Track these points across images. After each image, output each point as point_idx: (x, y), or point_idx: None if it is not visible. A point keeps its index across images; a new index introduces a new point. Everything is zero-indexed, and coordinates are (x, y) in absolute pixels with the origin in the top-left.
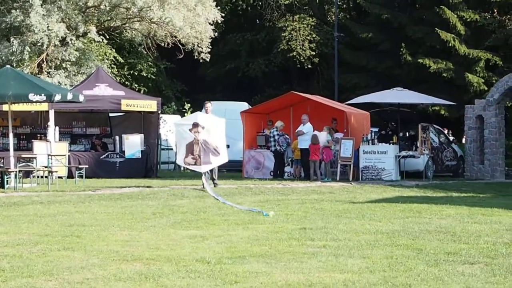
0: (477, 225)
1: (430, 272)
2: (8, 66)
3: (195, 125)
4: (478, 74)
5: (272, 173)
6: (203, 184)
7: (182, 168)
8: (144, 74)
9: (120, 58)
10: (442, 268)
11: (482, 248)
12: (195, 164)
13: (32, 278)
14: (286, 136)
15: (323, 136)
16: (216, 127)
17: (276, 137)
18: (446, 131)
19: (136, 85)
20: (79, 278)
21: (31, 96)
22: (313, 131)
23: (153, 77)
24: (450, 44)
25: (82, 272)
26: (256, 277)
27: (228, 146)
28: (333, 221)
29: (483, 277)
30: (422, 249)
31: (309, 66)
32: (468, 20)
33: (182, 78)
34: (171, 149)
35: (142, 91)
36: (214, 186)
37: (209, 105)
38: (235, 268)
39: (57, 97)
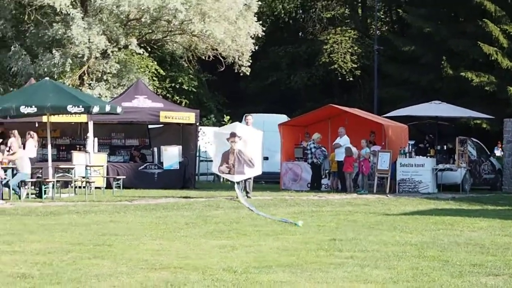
0: (508, 237)
1: (453, 283)
2: (47, 78)
3: (233, 134)
4: None
5: (309, 185)
6: (236, 195)
7: (221, 179)
8: (185, 87)
9: (162, 71)
10: (465, 279)
11: (508, 260)
12: (229, 173)
13: (60, 285)
14: (323, 148)
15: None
16: (254, 138)
17: (313, 150)
18: (499, 145)
19: (177, 98)
20: (106, 286)
21: (70, 108)
22: (350, 143)
23: (194, 89)
24: (493, 58)
25: (110, 280)
26: (280, 286)
27: (266, 158)
28: (364, 233)
29: None
30: (449, 260)
31: (351, 79)
32: (511, 33)
33: (224, 91)
34: (210, 160)
35: (183, 103)
36: (247, 197)
37: (250, 117)
38: (261, 277)
39: (95, 109)
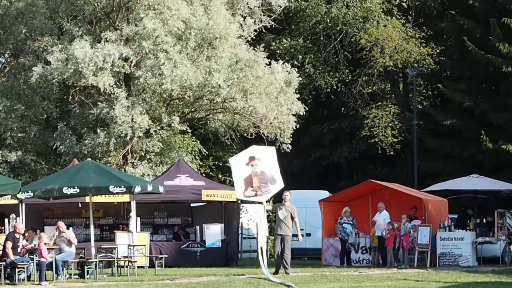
0: None
1: None
2: (89, 159)
3: (252, 158)
4: None
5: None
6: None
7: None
8: (229, 165)
9: (205, 150)
10: None
11: None
12: (256, 195)
13: None
14: (344, 225)
15: (380, 221)
16: (269, 155)
17: (338, 225)
18: None
19: (221, 176)
20: None
21: (112, 188)
22: (390, 218)
23: None
24: None
25: None
26: None
27: (309, 234)
28: None
29: None
30: None
31: (392, 153)
32: None
33: None
34: (253, 237)
35: (228, 181)
36: (286, 274)
37: (288, 194)
38: None
39: (137, 189)
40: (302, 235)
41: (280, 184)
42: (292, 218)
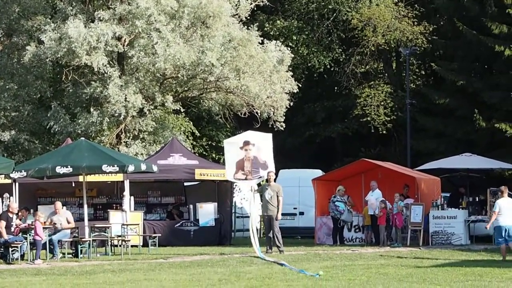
0: None
1: None
2: (82, 138)
3: (246, 143)
4: None
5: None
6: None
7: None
8: (222, 145)
9: (197, 132)
10: None
11: None
12: (246, 179)
13: None
14: (336, 203)
15: (372, 200)
16: (265, 142)
17: (331, 204)
18: None
19: (215, 155)
20: None
21: (105, 167)
22: (383, 197)
23: None
24: None
25: None
26: None
27: (302, 213)
28: (393, 285)
29: None
30: None
31: (384, 132)
32: None
33: None
34: (246, 216)
35: (221, 160)
36: (280, 253)
37: (272, 174)
38: None
39: (131, 168)
40: (296, 214)
41: (271, 169)
42: (278, 197)
